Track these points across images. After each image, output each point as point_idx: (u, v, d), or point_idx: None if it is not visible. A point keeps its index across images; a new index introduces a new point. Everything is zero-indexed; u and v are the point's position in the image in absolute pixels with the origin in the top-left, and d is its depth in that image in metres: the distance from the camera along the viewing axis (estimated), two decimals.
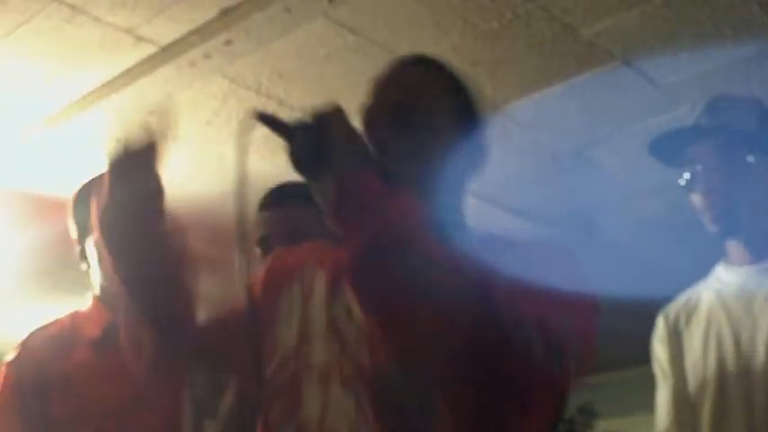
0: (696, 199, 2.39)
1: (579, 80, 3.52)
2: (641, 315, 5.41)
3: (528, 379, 1.35)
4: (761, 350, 2.29)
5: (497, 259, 1.48)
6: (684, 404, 2.40)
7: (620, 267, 4.93)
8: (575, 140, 4.01)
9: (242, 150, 1.50)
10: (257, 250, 2.23)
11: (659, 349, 2.51)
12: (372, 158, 1.49)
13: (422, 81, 1.66)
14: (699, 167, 2.36)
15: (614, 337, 6.00)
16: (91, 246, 2.54)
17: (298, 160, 1.46)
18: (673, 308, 2.52)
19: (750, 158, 2.36)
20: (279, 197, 2.34)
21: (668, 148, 2.44)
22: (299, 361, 1.61)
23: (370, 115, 1.63)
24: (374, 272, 1.35)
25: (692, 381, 2.39)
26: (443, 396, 1.41)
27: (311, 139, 1.45)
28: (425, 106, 1.62)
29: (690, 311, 2.46)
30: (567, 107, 3.72)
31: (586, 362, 1.47)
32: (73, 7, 3.07)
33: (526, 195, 4.48)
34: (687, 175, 2.39)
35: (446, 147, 1.60)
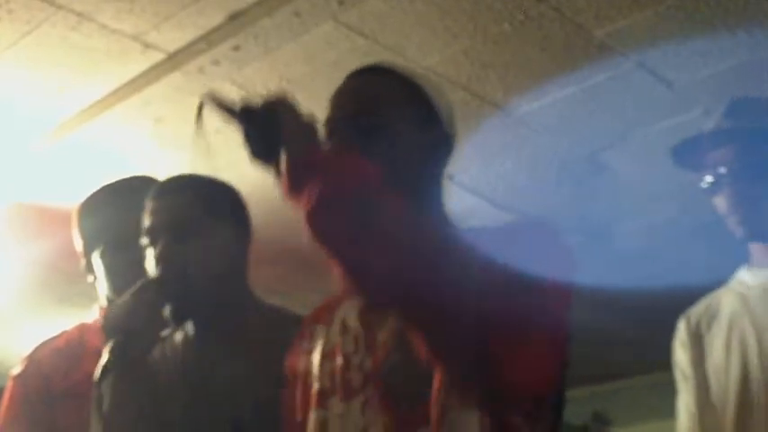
0: (720, 202, 2.37)
1: (592, 82, 3.49)
2: (655, 321, 5.39)
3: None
4: None
5: (475, 244, 1.55)
6: (707, 407, 2.38)
7: (634, 273, 4.89)
8: (587, 144, 3.97)
9: (199, 134, 1.61)
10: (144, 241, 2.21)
11: (680, 353, 2.49)
12: (321, 139, 1.58)
13: (378, 89, 1.74)
14: (722, 170, 2.34)
15: (628, 343, 5.99)
16: (97, 257, 2.52)
17: (251, 145, 1.53)
18: (694, 312, 2.51)
19: None
20: (169, 188, 2.29)
21: (691, 154, 2.43)
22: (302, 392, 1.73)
23: (331, 126, 1.70)
24: (332, 215, 1.43)
25: (715, 384, 2.37)
26: (432, 355, 1.46)
27: (261, 122, 1.52)
28: (384, 113, 1.69)
29: (711, 315, 2.45)
30: (579, 110, 3.69)
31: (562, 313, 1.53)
32: (79, 15, 3.04)
33: (538, 200, 4.44)
34: (709, 179, 2.36)
35: (409, 149, 1.68)
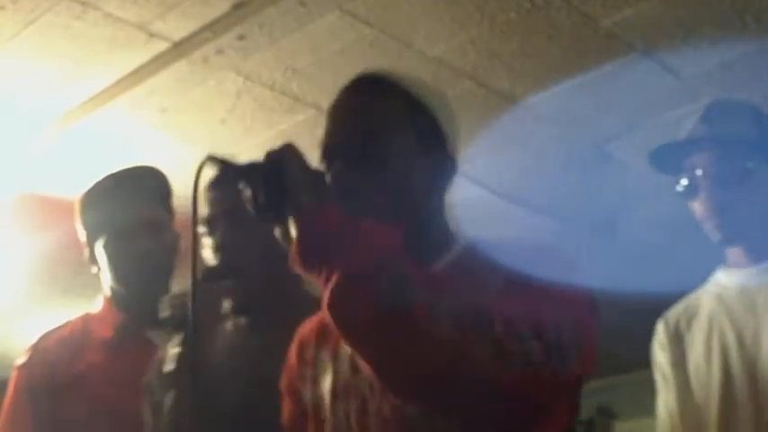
0: (697, 207, 2.39)
1: (599, 72, 3.47)
2: (660, 315, 5.38)
3: (533, 389, 1.34)
4: (766, 349, 2.28)
5: (488, 266, 1.50)
6: (688, 407, 2.40)
7: (639, 265, 4.88)
8: (593, 134, 3.96)
9: (195, 192, 1.51)
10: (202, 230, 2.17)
11: (659, 354, 2.53)
12: (331, 191, 1.48)
13: (379, 111, 1.62)
14: (698, 173, 2.35)
15: (634, 337, 5.96)
16: (101, 248, 2.51)
17: (257, 203, 1.44)
18: (672, 313, 2.53)
19: (749, 164, 2.36)
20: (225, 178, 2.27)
21: (668, 159, 2.45)
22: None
23: (328, 153, 1.60)
24: (352, 302, 1.33)
25: (696, 384, 2.40)
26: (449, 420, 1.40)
27: (266, 179, 1.43)
28: (385, 138, 1.58)
29: (690, 316, 2.48)
30: (585, 100, 3.67)
31: (589, 354, 1.45)
32: (83, 4, 3.03)
33: (544, 191, 4.43)
34: (684, 182, 2.38)
35: (412, 167, 1.59)
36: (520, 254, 1.52)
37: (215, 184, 2.14)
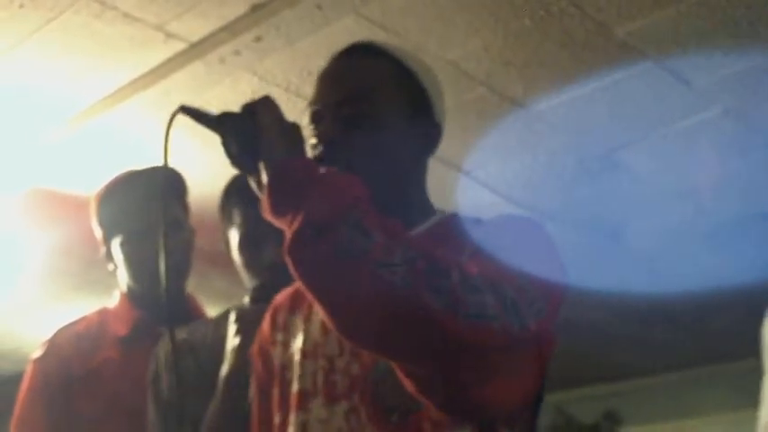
0: None
1: (611, 80, 3.48)
2: (667, 322, 5.39)
3: (482, 339, 1.33)
4: None
5: (464, 235, 1.52)
6: None
7: (647, 273, 4.89)
8: (604, 142, 3.97)
9: (166, 146, 1.50)
10: (241, 250, 2.20)
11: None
12: (305, 144, 1.50)
13: (368, 74, 1.65)
14: None
15: (640, 344, 5.98)
16: (118, 247, 2.53)
17: (231, 153, 1.47)
18: None
19: None
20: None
21: None
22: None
23: (316, 112, 1.63)
24: (313, 248, 1.34)
25: None
26: (406, 379, 1.39)
27: (241, 129, 1.46)
28: (371, 101, 1.61)
29: None
30: (597, 108, 3.68)
31: (548, 324, 1.43)
32: (102, 3, 3.05)
33: (554, 198, 4.44)
34: None
35: (396, 131, 1.62)
36: (495, 226, 1.56)
37: (256, 200, 2.18)
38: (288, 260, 1.36)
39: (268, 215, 1.41)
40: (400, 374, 1.39)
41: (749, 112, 3.70)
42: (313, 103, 1.64)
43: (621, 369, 6.40)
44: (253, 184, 1.47)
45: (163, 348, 2.23)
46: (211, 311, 2.67)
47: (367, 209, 1.37)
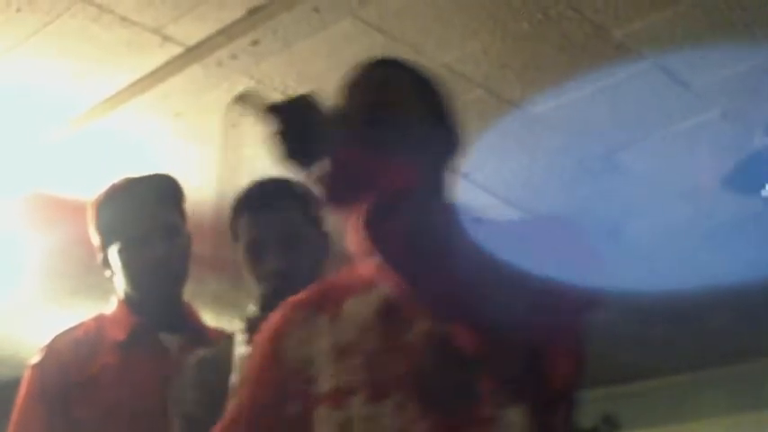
0: None
1: (609, 82, 3.48)
2: (667, 324, 5.39)
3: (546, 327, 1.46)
4: None
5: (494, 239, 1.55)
6: None
7: (646, 274, 4.88)
8: (603, 144, 3.97)
9: (229, 138, 1.54)
10: (246, 257, 2.20)
11: None
12: (356, 134, 1.57)
13: (394, 82, 1.73)
14: None
15: (639, 346, 5.97)
16: (115, 253, 2.52)
17: (286, 143, 1.49)
18: None
19: None
20: (270, 196, 2.27)
21: (747, 177, 2.40)
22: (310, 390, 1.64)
23: (343, 116, 1.66)
24: (390, 223, 1.41)
25: None
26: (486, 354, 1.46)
27: (296, 120, 1.48)
28: (399, 107, 1.68)
29: None
30: (596, 110, 3.68)
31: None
32: (99, 7, 3.05)
33: (553, 200, 4.44)
34: None
35: (419, 138, 1.68)
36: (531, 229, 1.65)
37: (263, 208, 2.17)
38: (367, 237, 1.42)
39: (327, 202, 1.49)
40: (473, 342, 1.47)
41: (747, 112, 3.69)
42: (344, 110, 1.68)
43: (620, 372, 6.40)
44: (308, 176, 1.50)
45: (189, 365, 2.23)
46: (207, 317, 2.67)
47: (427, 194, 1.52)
